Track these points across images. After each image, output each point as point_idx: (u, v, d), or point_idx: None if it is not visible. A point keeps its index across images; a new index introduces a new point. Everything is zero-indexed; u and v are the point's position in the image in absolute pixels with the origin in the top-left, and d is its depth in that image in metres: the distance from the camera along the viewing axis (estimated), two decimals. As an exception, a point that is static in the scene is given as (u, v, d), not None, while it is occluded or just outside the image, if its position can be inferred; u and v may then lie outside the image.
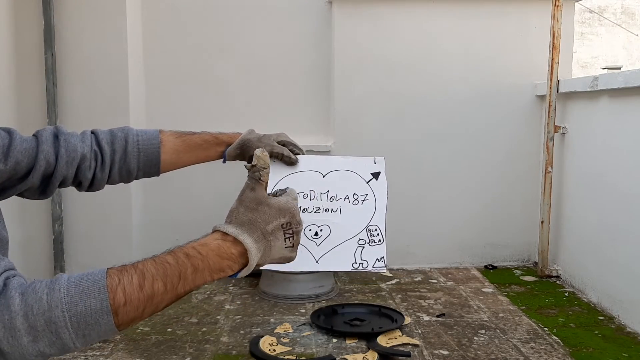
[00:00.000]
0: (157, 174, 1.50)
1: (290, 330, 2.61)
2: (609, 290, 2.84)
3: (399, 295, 3.09)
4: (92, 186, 1.40)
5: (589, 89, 2.96)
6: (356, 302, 2.99)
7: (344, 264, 1.45)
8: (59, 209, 3.14)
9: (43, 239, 3.17)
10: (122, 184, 1.47)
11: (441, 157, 3.58)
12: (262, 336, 2.51)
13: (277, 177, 1.52)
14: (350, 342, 2.48)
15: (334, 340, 2.51)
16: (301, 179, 1.53)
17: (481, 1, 3.51)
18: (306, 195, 1.50)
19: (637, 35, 12.41)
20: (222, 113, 3.48)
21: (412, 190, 3.59)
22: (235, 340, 2.52)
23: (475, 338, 2.52)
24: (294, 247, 1.03)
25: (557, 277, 3.36)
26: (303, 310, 2.86)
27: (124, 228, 3.25)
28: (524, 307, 2.90)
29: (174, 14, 3.50)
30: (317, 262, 1.44)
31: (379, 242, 1.46)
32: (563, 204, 3.33)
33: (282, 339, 2.51)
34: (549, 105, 3.28)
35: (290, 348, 2.42)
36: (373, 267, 1.43)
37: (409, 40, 3.51)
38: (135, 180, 1.49)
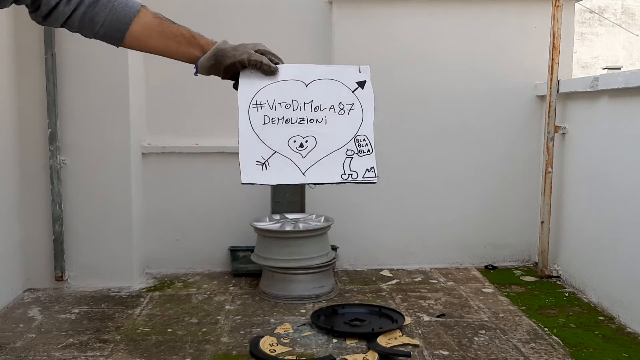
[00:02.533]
0: (119, 42, 1.43)
1: (291, 331, 2.61)
2: (609, 291, 2.84)
3: (399, 296, 3.09)
4: (49, 16, 1.35)
5: (589, 89, 2.96)
6: (356, 302, 2.99)
7: (332, 176, 1.42)
8: (59, 209, 3.14)
9: (43, 239, 3.17)
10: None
11: (441, 157, 3.58)
12: (262, 336, 2.51)
13: (256, 88, 1.47)
14: (351, 343, 2.48)
15: (334, 340, 2.50)
16: (283, 88, 1.47)
17: (481, 1, 3.51)
18: (289, 105, 1.45)
19: (637, 36, 12.41)
20: (221, 112, 3.47)
21: (412, 190, 3.59)
22: (236, 340, 2.52)
23: (476, 338, 2.52)
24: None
25: (557, 277, 3.35)
26: (303, 311, 2.86)
27: (124, 228, 3.25)
28: (524, 308, 2.90)
29: (174, 13, 3.48)
30: (303, 174, 1.41)
31: (368, 153, 1.43)
32: (563, 204, 3.33)
33: (282, 339, 2.51)
34: (549, 106, 3.27)
35: (291, 348, 2.42)
36: (363, 177, 1.41)
37: (408, 41, 3.51)
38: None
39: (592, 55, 12.30)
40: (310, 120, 1.44)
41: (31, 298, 3.06)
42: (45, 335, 2.57)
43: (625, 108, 2.75)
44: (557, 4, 3.20)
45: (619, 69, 9.82)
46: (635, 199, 2.62)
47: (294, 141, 1.43)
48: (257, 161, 1.40)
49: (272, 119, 1.45)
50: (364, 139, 1.45)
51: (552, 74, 3.24)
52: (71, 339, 2.53)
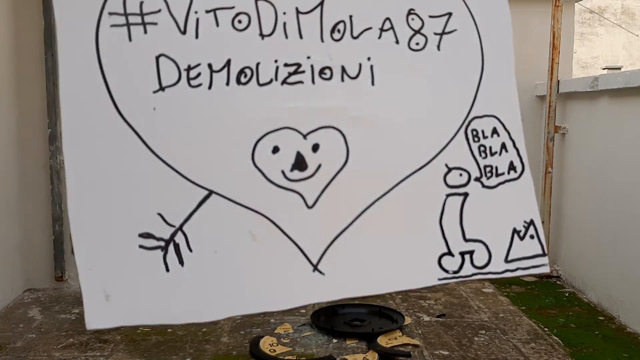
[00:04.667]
0: None
1: (291, 331, 2.61)
2: (609, 291, 2.83)
3: (399, 296, 3.08)
4: None
5: (589, 89, 2.96)
6: (356, 302, 2.98)
7: (414, 274, 0.53)
8: (59, 209, 3.14)
9: (43, 239, 3.17)
10: None
11: (441, 157, 3.58)
12: (263, 336, 2.50)
13: None
14: (351, 343, 2.47)
15: (334, 340, 2.50)
16: None
17: (481, 1, 3.51)
18: (244, 21, 0.56)
19: (637, 36, 12.42)
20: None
21: (412, 191, 3.59)
22: (236, 340, 2.51)
23: (476, 338, 2.52)
24: None
25: (558, 277, 3.35)
26: (303, 311, 2.86)
27: (124, 228, 3.24)
28: (524, 308, 2.90)
29: (174, 14, 3.49)
30: (315, 268, 0.56)
31: (512, 176, 0.52)
32: (563, 204, 3.33)
33: (282, 339, 2.51)
34: (549, 106, 3.27)
35: (291, 348, 2.42)
36: (508, 260, 0.56)
37: (409, 41, 3.51)
38: None
39: (592, 55, 12.31)
40: (322, 73, 0.55)
41: (31, 298, 3.05)
42: (45, 336, 2.57)
43: (625, 108, 2.75)
44: (557, 4, 3.20)
45: (619, 69, 9.81)
46: (635, 198, 2.61)
47: (275, 149, 0.57)
48: (146, 238, 0.56)
49: (191, 70, 0.59)
50: (495, 129, 0.55)
51: (552, 74, 3.24)
52: (71, 339, 2.53)
